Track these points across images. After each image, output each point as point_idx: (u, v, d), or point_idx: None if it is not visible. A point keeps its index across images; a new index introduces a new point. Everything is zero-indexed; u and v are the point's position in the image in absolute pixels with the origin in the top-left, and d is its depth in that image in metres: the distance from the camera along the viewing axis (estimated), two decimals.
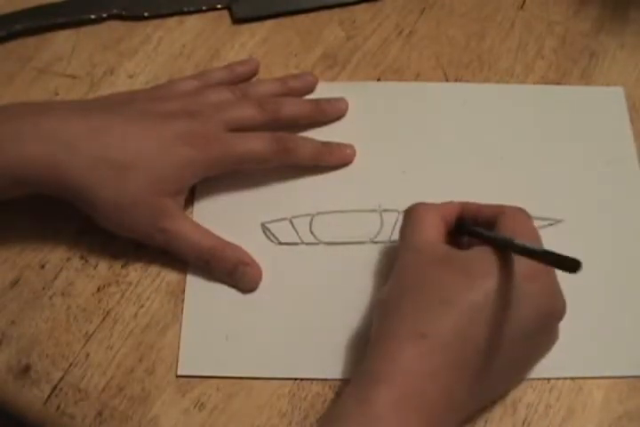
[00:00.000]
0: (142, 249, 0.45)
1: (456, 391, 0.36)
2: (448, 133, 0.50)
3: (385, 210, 0.46)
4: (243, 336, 0.43)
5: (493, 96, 0.52)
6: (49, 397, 0.41)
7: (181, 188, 0.45)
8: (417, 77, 0.53)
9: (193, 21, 0.55)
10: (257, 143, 0.45)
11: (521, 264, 0.37)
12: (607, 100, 0.52)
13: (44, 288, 0.45)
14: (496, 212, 0.41)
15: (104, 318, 0.44)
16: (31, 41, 0.54)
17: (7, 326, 0.43)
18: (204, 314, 0.44)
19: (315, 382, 0.42)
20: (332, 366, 0.42)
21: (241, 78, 0.51)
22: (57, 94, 0.51)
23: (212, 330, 0.43)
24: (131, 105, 0.45)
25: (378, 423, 0.34)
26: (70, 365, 0.42)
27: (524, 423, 0.41)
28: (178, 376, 0.42)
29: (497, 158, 0.49)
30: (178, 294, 0.44)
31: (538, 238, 0.40)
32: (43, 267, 0.45)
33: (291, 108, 0.48)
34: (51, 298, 0.44)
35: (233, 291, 0.44)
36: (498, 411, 0.41)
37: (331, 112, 0.50)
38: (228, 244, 0.45)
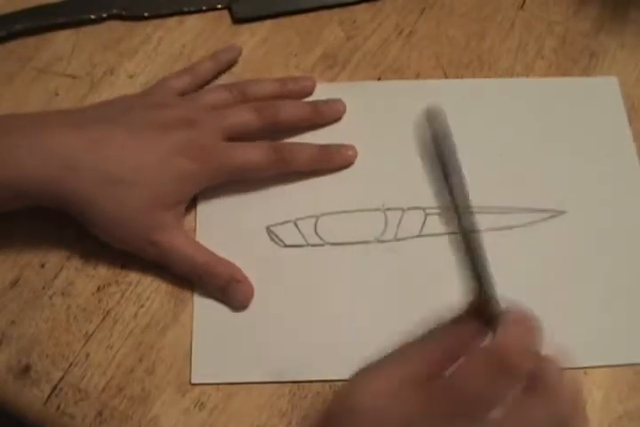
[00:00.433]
0: None
1: None
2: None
3: (388, 209, 0.47)
4: (253, 341, 0.43)
5: (490, 91, 0.52)
6: (49, 397, 0.41)
7: (181, 200, 0.45)
8: (417, 77, 0.53)
9: (193, 21, 0.55)
10: (255, 154, 0.45)
11: None
12: (603, 90, 0.52)
13: (43, 288, 0.45)
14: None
15: (104, 318, 0.44)
16: (31, 41, 0.54)
17: (7, 326, 0.43)
18: (214, 321, 0.44)
19: (315, 381, 0.42)
20: (340, 367, 0.42)
21: (227, 66, 0.52)
22: (57, 94, 0.51)
23: (222, 336, 0.43)
24: (128, 114, 0.45)
25: None
26: (70, 365, 0.42)
27: None
28: (191, 384, 0.42)
29: (497, 153, 0.49)
30: (178, 294, 0.44)
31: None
32: (43, 267, 0.45)
33: (288, 112, 0.48)
34: (51, 298, 0.44)
35: None
36: None
37: (328, 114, 0.50)
38: (221, 260, 0.44)
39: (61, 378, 0.42)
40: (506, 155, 0.49)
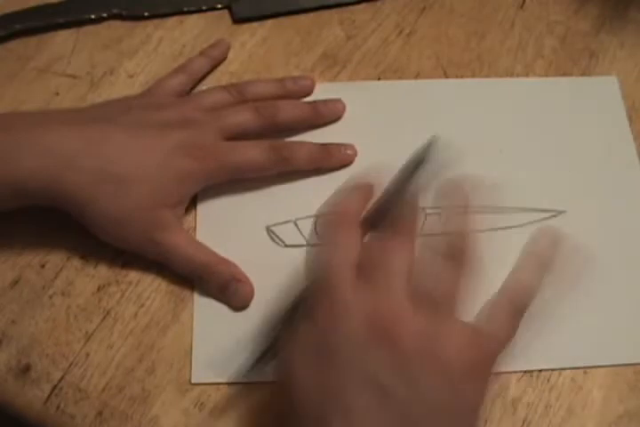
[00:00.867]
0: None
1: None
2: (447, 130, 0.50)
3: None
4: (253, 341, 0.43)
5: (490, 91, 0.52)
6: (49, 397, 0.41)
7: (181, 200, 0.45)
8: (417, 77, 0.53)
9: (193, 21, 0.55)
10: (255, 153, 0.45)
11: None
12: (602, 90, 0.52)
13: (44, 288, 0.45)
14: None
15: (104, 318, 0.44)
16: (31, 41, 0.54)
17: (7, 326, 0.43)
18: (215, 321, 0.44)
19: None
20: None
21: (219, 61, 0.53)
22: (57, 94, 0.51)
23: (223, 336, 0.43)
24: (128, 114, 0.45)
25: None
26: (70, 364, 0.42)
27: (523, 423, 0.41)
28: (191, 384, 0.42)
29: (496, 152, 0.49)
30: (178, 294, 0.44)
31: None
32: (43, 267, 0.45)
33: (288, 112, 0.48)
34: (51, 298, 0.44)
35: None
36: (498, 411, 0.41)
37: (328, 114, 0.50)
38: (222, 259, 0.44)
39: (61, 378, 0.42)
40: (505, 155, 0.49)
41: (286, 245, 0.46)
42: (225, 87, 0.49)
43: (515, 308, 0.40)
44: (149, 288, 0.45)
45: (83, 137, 0.42)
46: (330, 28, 0.55)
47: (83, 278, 0.45)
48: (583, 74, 0.53)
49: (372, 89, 0.52)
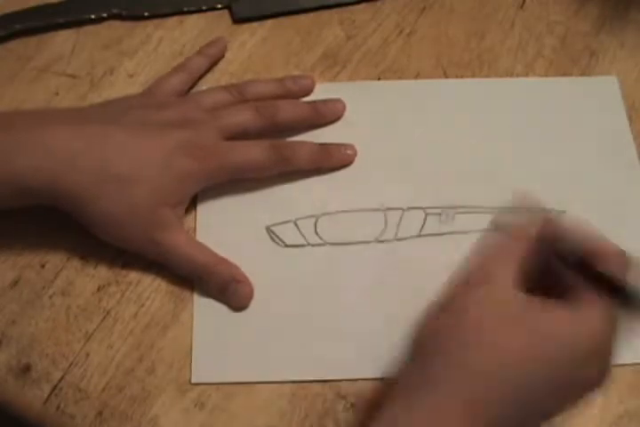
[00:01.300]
0: None
1: None
2: (448, 130, 0.50)
3: (388, 208, 0.46)
4: (253, 341, 0.43)
5: (490, 91, 0.52)
6: (49, 397, 0.41)
7: (181, 199, 0.45)
8: (417, 77, 0.53)
9: (193, 21, 0.55)
10: (255, 153, 0.45)
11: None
12: (602, 90, 0.52)
13: (44, 288, 0.45)
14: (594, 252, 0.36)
15: (104, 318, 0.44)
16: (31, 41, 0.54)
17: (7, 326, 0.43)
18: (215, 321, 0.44)
19: (315, 381, 0.42)
20: (340, 366, 0.42)
21: (217, 59, 0.53)
22: (57, 94, 0.51)
23: (223, 336, 0.43)
24: (128, 114, 0.45)
25: None
26: (70, 364, 0.42)
27: None
28: (191, 384, 0.42)
29: (497, 153, 0.49)
30: (178, 294, 0.44)
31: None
32: (43, 267, 0.45)
33: (288, 112, 0.48)
34: (51, 298, 0.44)
35: None
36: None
37: (328, 114, 0.50)
38: (222, 260, 0.44)
39: (61, 378, 0.42)
40: (506, 154, 0.49)
41: (286, 245, 0.46)
42: (225, 87, 0.49)
43: None
44: (149, 288, 0.45)
45: (83, 137, 0.42)
46: (330, 28, 0.55)
47: (83, 278, 0.45)
48: (583, 74, 0.53)
49: (372, 89, 0.52)
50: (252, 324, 0.43)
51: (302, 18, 0.55)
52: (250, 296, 0.44)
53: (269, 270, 0.45)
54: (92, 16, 0.54)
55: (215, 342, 0.43)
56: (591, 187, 0.48)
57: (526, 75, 0.53)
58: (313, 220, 0.46)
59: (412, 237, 0.46)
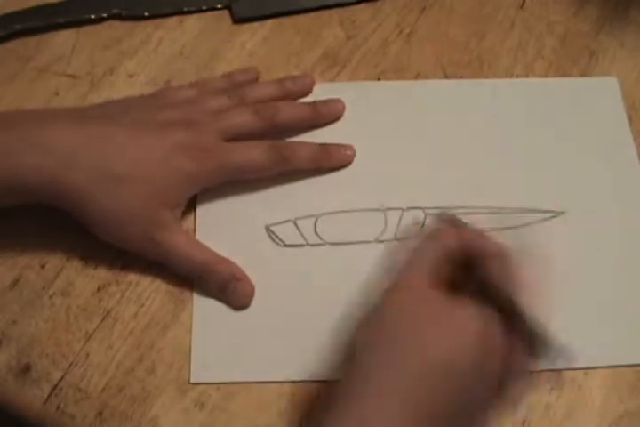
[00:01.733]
0: None
1: None
2: (447, 130, 0.50)
3: (388, 208, 0.46)
4: (252, 341, 0.43)
5: (490, 91, 0.52)
6: (49, 397, 0.41)
7: (180, 200, 0.45)
8: (417, 77, 0.53)
9: (193, 21, 0.55)
10: (255, 153, 0.45)
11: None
12: (602, 90, 0.52)
13: (44, 288, 0.45)
14: (480, 253, 0.39)
15: (104, 318, 0.44)
16: (31, 41, 0.54)
17: (7, 326, 0.43)
18: (214, 320, 0.44)
19: (315, 381, 0.42)
20: (340, 366, 0.42)
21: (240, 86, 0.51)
22: (57, 94, 0.51)
23: (222, 336, 0.43)
24: (128, 114, 0.45)
25: None
26: (70, 364, 0.42)
27: (523, 423, 0.41)
28: (191, 383, 0.42)
29: (497, 153, 0.49)
30: (178, 294, 0.44)
31: (521, 287, 0.38)
32: (43, 267, 0.45)
33: (287, 113, 0.48)
34: (51, 298, 0.44)
35: None
36: (498, 411, 0.41)
37: (328, 114, 0.50)
38: (222, 259, 0.44)
39: (61, 378, 0.42)
40: (505, 155, 0.49)
41: (286, 245, 0.46)
42: (225, 90, 0.49)
43: None
44: (149, 288, 0.45)
45: (83, 136, 0.42)
46: (330, 28, 0.55)
47: (83, 279, 0.45)
48: (583, 74, 0.53)
49: (372, 89, 0.52)
50: (252, 324, 0.43)
51: (302, 18, 0.55)
52: (250, 295, 0.44)
53: (269, 270, 0.45)
54: (92, 16, 0.54)
55: (214, 341, 0.43)
56: (591, 187, 0.48)
57: (526, 75, 0.53)
58: (312, 219, 0.46)
59: (412, 237, 0.46)
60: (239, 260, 0.45)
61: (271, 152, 0.46)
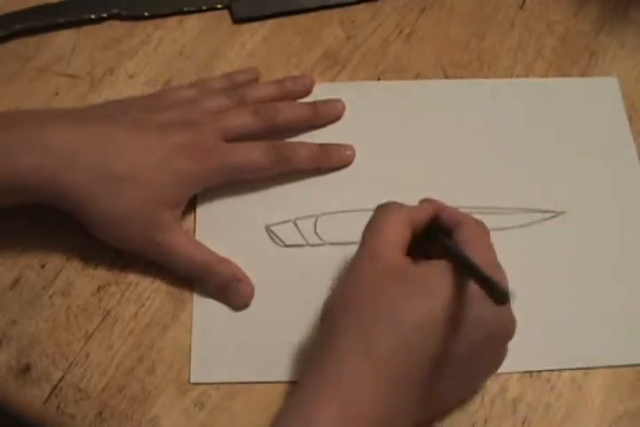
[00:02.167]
0: None
1: (398, 409, 0.35)
2: (447, 130, 0.50)
3: None
4: (252, 341, 0.43)
5: (490, 91, 0.52)
6: (49, 397, 0.41)
7: (180, 200, 0.45)
8: (417, 77, 0.53)
9: (193, 21, 0.55)
10: (254, 154, 0.45)
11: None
12: (602, 90, 0.52)
13: (44, 288, 0.45)
14: (455, 221, 0.40)
15: (104, 318, 0.44)
16: (31, 41, 0.54)
17: (7, 326, 0.43)
18: (214, 320, 0.44)
19: None
20: None
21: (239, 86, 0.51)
22: (57, 94, 0.51)
23: (222, 336, 0.43)
24: (128, 114, 0.45)
25: None
26: (70, 364, 0.42)
27: (523, 423, 0.41)
28: (191, 383, 0.42)
29: (497, 153, 0.49)
30: (178, 294, 0.44)
31: (492, 254, 0.39)
32: (43, 267, 0.45)
33: (287, 113, 0.48)
34: (51, 298, 0.44)
35: None
36: (498, 411, 0.41)
37: (327, 114, 0.50)
38: (222, 259, 0.44)
39: (61, 378, 0.42)
40: (505, 155, 0.49)
41: (286, 245, 0.46)
42: (225, 92, 0.49)
43: None
44: (149, 289, 0.45)
45: (83, 136, 0.42)
46: (330, 28, 0.55)
47: (83, 279, 0.45)
48: (583, 74, 0.53)
49: (372, 89, 0.52)
50: (252, 324, 0.43)
51: (302, 18, 0.55)
52: (251, 295, 0.44)
53: (269, 270, 0.45)
54: (92, 16, 0.54)
55: (214, 341, 0.43)
56: (591, 187, 0.48)
57: (526, 75, 0.53)
58: (312, 220, 0.46)
59: None
60: (239, 260, 0.45)
61: (271, 152, 0.46)
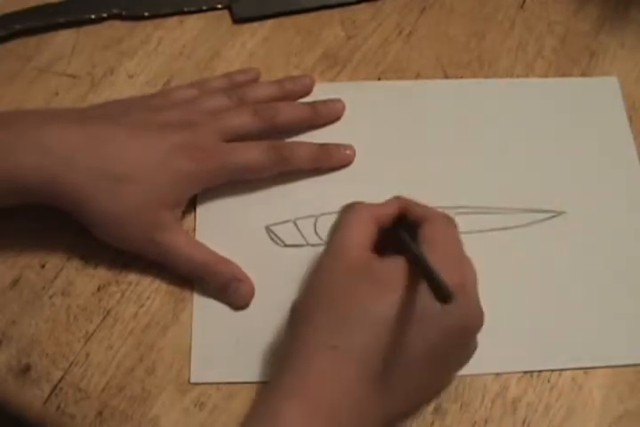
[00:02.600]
0: None
1: (369, 404, 0.36)
2: (447, 130, 0.50)
3: None
4: (253, 341, 0.43)
5: (490, 91, 0.52)
6: (49, 397, 0.41)
7: (180, 200, 0.45)
8: (417, 77, 0.53)
9: (193, 21, 0.55)
10: (254, 154, 0.45)
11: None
12: (603, 90, 0.52)
13: (44, 288, 0.45)
14: (421, 216, 0.41)
15: (104, 318, 0.44)
16: (31, 41, 0.54)
17: (7, 326, 0.43)
18: (214, 320, 0.44)
19: None
20: None
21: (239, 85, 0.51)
22: (57, 94, 0.51)
23: (222, 336, 0.43)
24: (128, 114, 0.45)
25: None
26: (70, 364, 0.42)
27: (523, 423, 0.41)
28: (191, 383, 0.42)
29: (497, 153, 0.49)
30: (178, 294, 0.44)
31: (457, 249, 0.40)
32: (43, 267, 0.45)
33: (287, 114, 0.48)
34: (51, 298, 0.44)
35: None
36: (498, 411, 0.41)
37: (327, 114, 0.50)
38: (222, 259, 0.44)
39: (61, 378, 0.42)
40: (505, 155, 0.49)
41: (286, 245, 0.46)
42: (225, 91, 0.49)
43: None
44: (149, 288, 0.45)
45: (83, 136, 0.42)
46: (330, 27, 0.55)
47: (83, 278, 0.45)
48: (583, 74, 0.53)
49: (372, 89, 0.52)
50: (252, 324, 0.43)
51: (302, 18, 0.55)
52: (251, 295, 0.44)
53: (269, 270, 0.45)
54: (92, 16, 0.54)
55: (214, 341, 0.43)
56: (591, 187, 0.48)
57: (526, 75, 0.53)
58: (312, 219, 0.46)
59: None
60: (239, 260, 0.45)
61: (271, 152, 0.46)
